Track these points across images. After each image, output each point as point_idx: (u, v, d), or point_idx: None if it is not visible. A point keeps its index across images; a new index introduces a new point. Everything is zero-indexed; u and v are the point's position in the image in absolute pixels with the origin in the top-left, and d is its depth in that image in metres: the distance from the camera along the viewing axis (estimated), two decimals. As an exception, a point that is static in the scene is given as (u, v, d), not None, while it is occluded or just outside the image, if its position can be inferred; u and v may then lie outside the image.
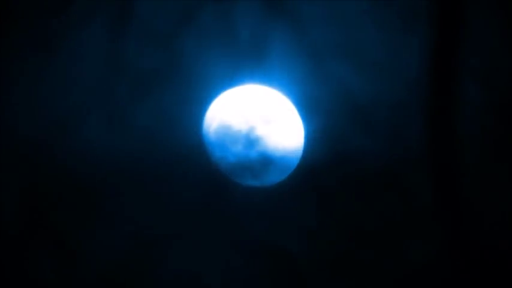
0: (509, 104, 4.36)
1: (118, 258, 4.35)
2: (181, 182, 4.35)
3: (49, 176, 4.35)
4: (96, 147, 4.37)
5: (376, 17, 4.37)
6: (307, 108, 4.35)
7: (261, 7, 4.35)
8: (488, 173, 4.36)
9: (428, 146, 4.38)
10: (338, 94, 4.37)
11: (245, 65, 4.34)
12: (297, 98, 4.33)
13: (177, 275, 4.37)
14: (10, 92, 4.39)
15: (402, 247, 4.36)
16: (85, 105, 4.39)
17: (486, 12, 4.37)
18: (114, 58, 4.39)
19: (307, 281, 4.37)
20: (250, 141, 4.22)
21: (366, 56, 4.38)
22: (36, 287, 4.33)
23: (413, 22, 4.38)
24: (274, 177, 4.30)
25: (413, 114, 4.38)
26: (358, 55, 4.38)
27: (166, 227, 4.35)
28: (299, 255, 4.37)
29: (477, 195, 4.35)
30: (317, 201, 4.37)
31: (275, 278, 4.38)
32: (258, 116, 4.25)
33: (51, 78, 4.40)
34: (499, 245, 4.34)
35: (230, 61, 4.35)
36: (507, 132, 4.36)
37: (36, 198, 4.35)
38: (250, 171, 4.25)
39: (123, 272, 4.36)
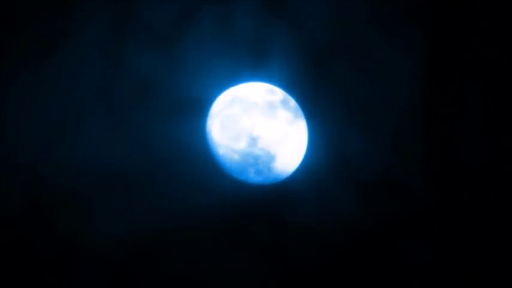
0: (509, 103, 4.39)
1: (119, 259, 4.34)
2: (183, 181, 4.35)
3: (49, 176, 4.34)
4: (96, 147, 4.37)
5: (376, 17, 4.40)
6: (308, 107, 4.36)
7: (261, 7, 4.37)
8: (488, 173, 4.38)
9: (428, 146, 4.40)
10: (338, 94, 4.39)
11: (246, 64, 4.36)
12: (297, 97, 4.35)
13: (179, 276, 4.36)
14: (10, 92, 4.38)
15: (401, 247, 4.37)
16: (85, 106, 4.39)
17: (486, 12, 4.40)
18: (114, 59, 4.39)
19: (307, 280, 4.37)
20: (253, 139, 4.23)
21: (366, 56, 4.40)
22: (36, 285, 4.32)
23: (413, 22, 4.41)
24: (276, 175, 4.30)
25: (413, 114, 4.41)
26: (358, 55, 4.40)
27: (168, 227, 4.35)
28: (299, 254, 4.37)
29: (477, 195, 4.37)
30: (318, 201, 4.38)
31: (275, 278, 4.38)
32: (260, 115, 4.26)
33: (50, 78, 4.40)
34: (497, 244, 4.36)
35: (231, 60, 4.36)
36: (507, 132, 4.38)
37: (36, 197, 4.34)
38: (253, 168, 4.26)
39: (125, 273, 4.35)
